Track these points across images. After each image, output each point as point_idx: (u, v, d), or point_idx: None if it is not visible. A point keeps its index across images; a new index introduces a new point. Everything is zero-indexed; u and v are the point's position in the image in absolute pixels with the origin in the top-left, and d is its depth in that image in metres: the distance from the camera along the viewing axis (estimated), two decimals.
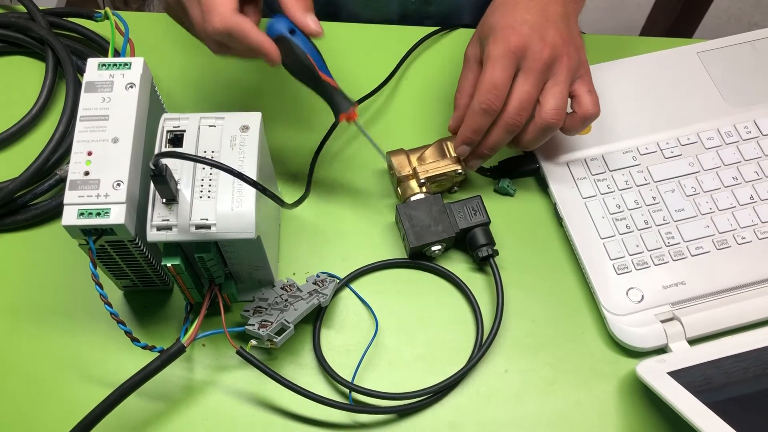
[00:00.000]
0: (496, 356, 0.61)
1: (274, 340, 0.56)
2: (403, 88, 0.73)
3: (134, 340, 0.55)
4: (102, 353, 0.60)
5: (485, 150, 0.62)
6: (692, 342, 0.60)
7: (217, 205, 0.52)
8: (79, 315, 0.62)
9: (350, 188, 0.68)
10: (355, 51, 0.74)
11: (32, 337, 0.61)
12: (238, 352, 0.56)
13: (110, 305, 0.53)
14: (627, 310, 0.61)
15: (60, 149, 0.66)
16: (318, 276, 0.61)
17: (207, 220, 0.52)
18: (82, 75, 0.71)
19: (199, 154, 0.54)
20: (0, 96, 0.72)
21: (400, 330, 0.62)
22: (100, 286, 0.52)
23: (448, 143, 0.65)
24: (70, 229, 0.51)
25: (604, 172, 0.67)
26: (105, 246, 0.54)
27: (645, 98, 0.71)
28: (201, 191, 0.53)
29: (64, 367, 0.60)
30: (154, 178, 0.50)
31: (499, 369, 0.60)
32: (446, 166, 0.64)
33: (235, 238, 0.52)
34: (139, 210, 0.53)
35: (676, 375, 0.55)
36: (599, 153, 0.67)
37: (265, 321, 0.57)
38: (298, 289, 0.60)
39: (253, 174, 0.54)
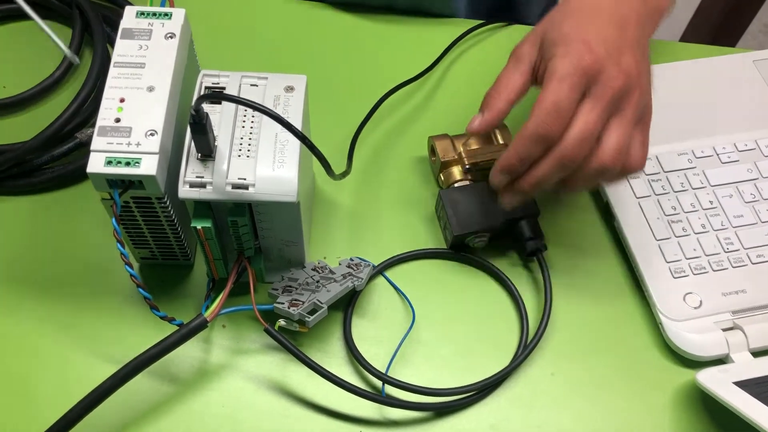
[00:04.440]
0: (541, 358, 0.56)
1: (306, 320, 0.51)
2: (448, 78, 0.69)
3: (153, 307, 0.50)
4: (113, 329, 0.55)
5: (527, 185, 0.51)
6: (755, 354, 0.55)
7: (257, 165, 0.48)
8: (90, 287, 0.57)
9: (387, 173, 0.64)
10: (401, 40, 0.71)
11: (37, 308, 0.56)
12: (266, 330, 0.51)
13: (131, 266, 0.48)
14: (685, 316, 0.56)
15: (82, 113, 0.62)
16: (352, 260, 0.56)
17: (245, 179, 0.47)
18: (111, 44, 0.67)
19: (239, 115, 0.50)
20: (24, 61, 0.68)
21: (437, 324, 0.57)
22: (122, 244, 0.47)
23: (496, 131, 0.61)
24: (96, 178, 0.47)
25: (659, 172, 0.63)
26: (129, 203, 0.49)
27: (699, 102, 0.67)
28: (240, 150, 0.49)
29: (71, 342, 0.55)
30: (194, 126, 0.45)
31: (544, 372, 0.55)
32: (494, 153, 0.60)
33: (275, 201, 0.48)
34: (170, 166, 0.49)
35: (743, 386, 0.50)
36: (653, 153, 0.64)
37: (296, 300, 0.52)
38: (331, 271, 0.55)
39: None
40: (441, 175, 0.61)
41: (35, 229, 0.59)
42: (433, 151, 0.62)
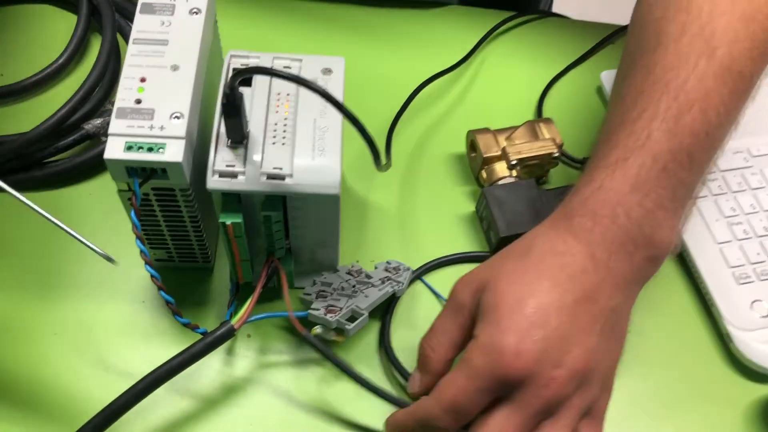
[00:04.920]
0: None
1: (346, 327, 0.46)
2: (482, 71, 0.65)
3: (176, 313, 0.44)
4: (126, 340, 0.49)
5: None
6: None
7: (295, 153, 0.43)
8: (98, 293, 0.51)
9: (422, 172, 0.59)
10: (432, 33, 0.66)
11: (41, 316, 0.50)
12: (305, 337, 0.45)
13: (152, 265, 0.42)
14: (753, 325, 0.51)
15: (90, 101, 0.56)
16: (389, 263, 0.51)
17: (281, 169, 0.42)
18: (120, 31, 0.62)
19: (272, 100, 0.45)
20: (24, 48, 0.62)
21: None
22: (142, 241, 0.42)
23: (541, 125, 0.57)
24: (114, 166, 0.41)
25: (714, 171, 0.58)
26: (148, 196, 0.44)
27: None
28: (275, 137, 0.43)
29: (78, 355, 0.49)
30: (227, 107, 0.40)
31: None
32: (541, 148, 0.55)
33: (315, 193, 0.42)
34: (195, 155, 0.44)
35: None
36: None
37: (332, 306, 0.47)
38: (367, 275, 0.50)
39: (338, 123, 0.44)
40: (483, 172, 0.56)
41: (38, 229, 0.53)
42: (473, 146, 0.57)
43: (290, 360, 0.49)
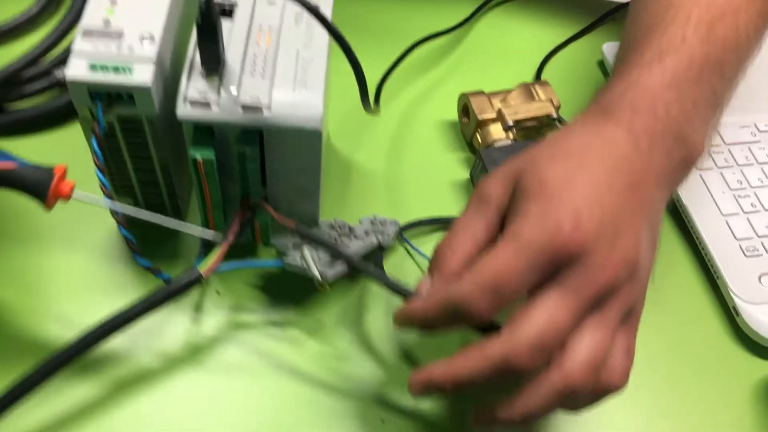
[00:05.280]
0: None
1: (326, 272, 0.42)
2: (480, 38, 0.62)
3: (136, 252, 0.41)
4: (82, 291, 0.46)
5: (440, 379, 0.36)
6: None
7: (274, 85, 0.40)
8: (58, 243, 0.47)
9: (412, 135, 0.55)
10: None
11: None
12: (296, 229, 0.42)
13: (111, 197, 0.39)
14: (762, 299, 0.48)
15: (61, 47, 0.53)
16: (375, 217, 0.48)
17: (259, 100, 0.39)
18: None
19: (252, 32, 0.42)
20: None
21: None
22: (103, 172, 0.39)
23: (537, 87, 0.54)
24: (76, 88, 0.38)
25: (720, 145, 0.55)
26: (114, 127, 0.40)
27: (759, 76, 0.60)
28: (254, 68, 0.40)
29: (30, 304, 0.45)
30: (203, 29, 0.37)
31: None
32: (539, 109, 0.52)
33: (295, 127, 0.39)
34: (166, 85, 0.41)
35: None
36: None
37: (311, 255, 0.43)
38: (351, 229, 0.47)
39: (324, 56, 0.41)
40: (477, 135, 0.53)
41: None
42: (465, 110, 0.54)
43: (262, 320, 0.46)
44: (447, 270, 0.36)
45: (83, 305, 0.45)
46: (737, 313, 0.48)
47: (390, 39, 0.58)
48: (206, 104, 0.39)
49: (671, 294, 0.49)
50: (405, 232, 0.49)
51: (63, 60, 0.53)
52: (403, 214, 0.50)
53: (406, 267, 0.49)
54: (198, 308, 0.46)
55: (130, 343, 0.44)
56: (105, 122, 0.39)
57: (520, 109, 0.52)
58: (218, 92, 0.39)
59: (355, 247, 0.44)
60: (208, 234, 0.42)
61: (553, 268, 0.34)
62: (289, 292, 0.47)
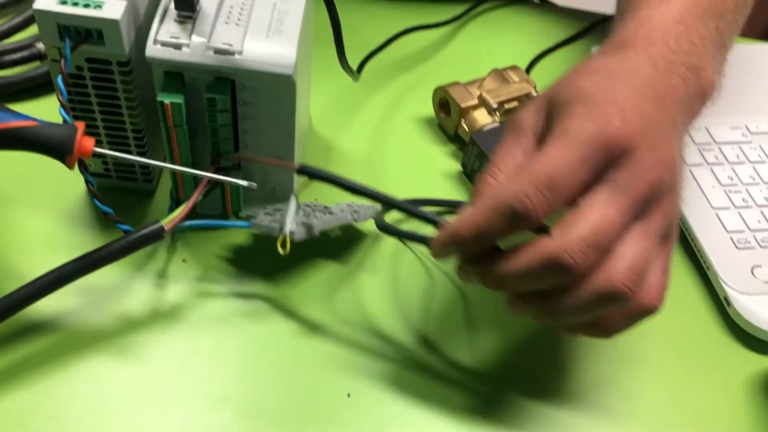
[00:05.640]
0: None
1: (292, 232, 0.40)
2: (466, 38, 0.62)
3: (96, 197, 0.39)
4: (41, 250, 0.44)
5: (487, 281, 0.35)
6: None
7: (248, 32, 0.39)
8: (18, 200, 0.46)
9: (394, 126, 0.54)
10: None
11: None
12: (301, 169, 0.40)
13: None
14: (755, 290, 0.46)
15: None
16: (353, 203, 0.46)
17: (231, 45, 0.38)
18: None
19: None
20: None
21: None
22: (66, 110, 0.37)
23: (509, 71, 0.54)
24: (43, 20, 0.37)
25: (710, 143, 0.54)
26: (82, 70, 0.39)
27: (750, 82, 0.60)
28: (228, 17, 0.40)
29: None
30: None
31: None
32: (519, 90, 0.52)
33: (266, 72, 0.38)
34: (139, 31, 0.40)
35: None
36: (701, 124, 0.55)
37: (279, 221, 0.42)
38: (326, 207, 0.45)
39: (300, 8, 0.41)
40: (462, 124, 0.52)
41: None
42: (443, 104, 0.53)
43: (227, 291, 0.44)
44: (489, 195, 0.34)
45: (41, 264, 0.42)
46: (728, 303, 0.45)
47: (381, 27, 0.58)
48: (177, 46, 0.38)
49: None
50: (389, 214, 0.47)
51: None
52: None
53: (401, 265, 0.47)
54: (162, 275, 0.44)
55: (90, 303, 0.41)
56: (73, 64, 0.38)
57: (500, 92, 0.52)
58: (190, 36, 0.38)
59: (326, 220, 0.42)
60: (241, 182, 0.39)
61: (603, 164, 0.33)
62: (256, 266, 0.45)
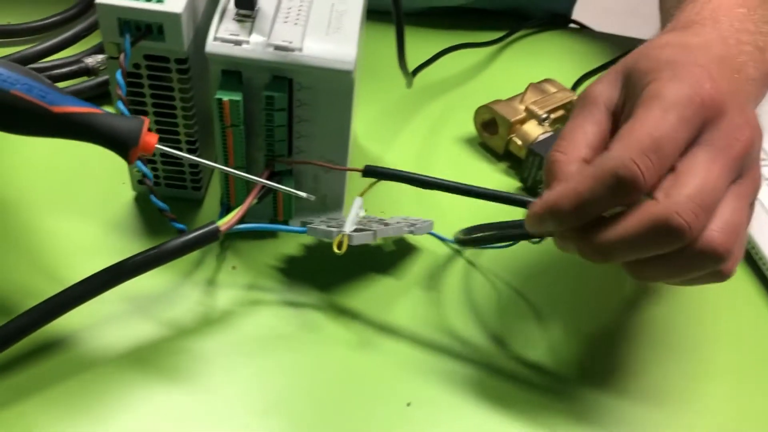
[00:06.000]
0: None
1: (351, 234, 0.38)
2: (506, 62, 0.62)
3: (153, 193, 0.38)
4: (88, 257, 0.42)
5: (587, 250, 0.33)
6: None
7: (307, 31, 0.39)
8: (66, 205, 0.45)
9: (441, 144, 0.54)
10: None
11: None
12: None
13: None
14: None
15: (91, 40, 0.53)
16: (407, 218, 0.45)
17: (291, 42, 0.38)
18: None
19: None
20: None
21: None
22: (125, 103, 0.37)
23: (544, 84, 0.54)
24: (105, 15, 0.37)
25: (765, 158, 0.53)
26: (139, 68, 0.39)
27: None
28: (287, 17, 0.39)
29: (34, 266, 0.42)
30: None
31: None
32: (562, 99, 0.53)
33: (327, 68, 0.38)
34: (197, 30, 0.40)
35: None
36: None
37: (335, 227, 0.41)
38: (381, 219, 0.44)
39: (359, 8, 0.41)
40: (514, 139, 0.51)
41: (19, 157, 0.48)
42: (487, 124, 0.53)
43: (279, 300, 0.42)
44: (565, 175, 0.33)
45: (87, 271, 0.41)
46: None
47: (421, 47, 0.58)
48: (237, 42, 0.37)
49: (740, 326, 0.45)
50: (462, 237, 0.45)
51: (99, 52, 0.53)
52: (438, 220, 0.47)
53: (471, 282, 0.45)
54: (211, 282, 0.42)
55: (138, 309, 0.40)
56: (131, 61, 0.38)
57: (545, 103, 0.52)
58: (249, 34, 0.38)
59: (385, 228, 0.41)
60: (302, 193, 0.38)
61: (700, 126, 0.32)
62: (308, 276, 0.43)
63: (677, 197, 0.31)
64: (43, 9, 0.57)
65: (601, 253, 0.32)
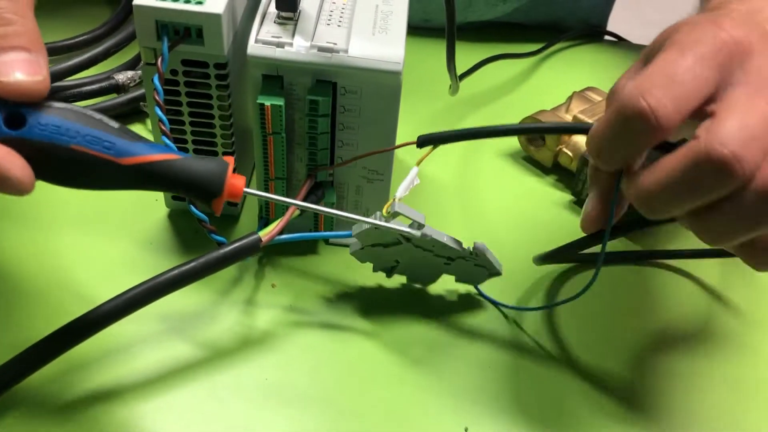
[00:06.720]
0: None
1: (414, 233, 0.36)
2: (545, 73, 0.60)
3: (192, 204, 0.36)
4: (124, 277, 0.40)
5: (633, 189, 0.31)
6: None
7: (352, 32, 0.37)
8: (97, 224, 0.43)
9: (479, 161, 0.51)
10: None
11: (38, 246, 0.42)
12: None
13: (169, 137, 0.34)
14: None
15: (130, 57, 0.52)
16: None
17: (336, 44, 0.36)
18: None
19: None
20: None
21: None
22: (162, 109, 0.35)
23: (588, 92, 0.52)
24: (142, 18, 0.35)
25: None
26: (176, 74, 0.37)
27: None
28: (329, 19, 0.38)
29: (70, 285, 0.40)
30: None
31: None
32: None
33: (374, 69, 0.36)
34: (235, 35, 0.38)
35: None
36: None
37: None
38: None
39: (404, 9, 0.39)
40: (564, 151, 0.49)
41: None
42: (532, 137, 0.51)
43: (321, 321, 0.40)
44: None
45: (120, 288, 0.39)
46: None
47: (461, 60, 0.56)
48: (279, 45, 0.36)
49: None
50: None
51: (129, 68, 0.51)
52: (485, 235, 0.44)
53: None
54: (249, 302, 0.40)
55: (175, 329, 0.38)
56: (168, 67, 0.36)
57: (593, 111, 0.50)
58: (292, 36, 0.36)
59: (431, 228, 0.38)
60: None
61: (725, 66, 0.29)
62: (351, 297, 0.41)
63: (719, 130, 0.28)
64: (74, 27, 0.55)
65: (646, 199, 0.30)
